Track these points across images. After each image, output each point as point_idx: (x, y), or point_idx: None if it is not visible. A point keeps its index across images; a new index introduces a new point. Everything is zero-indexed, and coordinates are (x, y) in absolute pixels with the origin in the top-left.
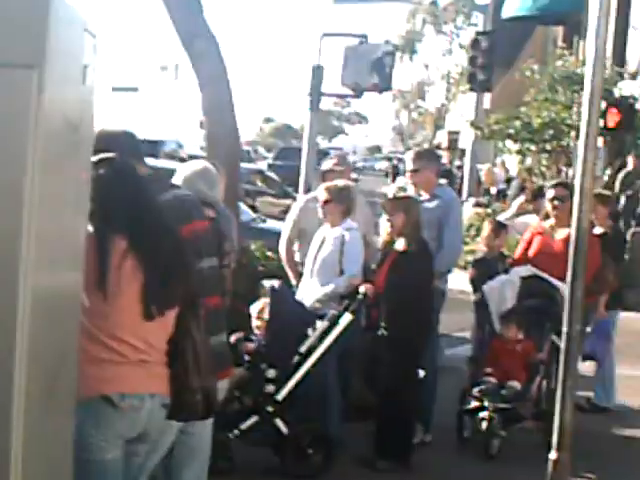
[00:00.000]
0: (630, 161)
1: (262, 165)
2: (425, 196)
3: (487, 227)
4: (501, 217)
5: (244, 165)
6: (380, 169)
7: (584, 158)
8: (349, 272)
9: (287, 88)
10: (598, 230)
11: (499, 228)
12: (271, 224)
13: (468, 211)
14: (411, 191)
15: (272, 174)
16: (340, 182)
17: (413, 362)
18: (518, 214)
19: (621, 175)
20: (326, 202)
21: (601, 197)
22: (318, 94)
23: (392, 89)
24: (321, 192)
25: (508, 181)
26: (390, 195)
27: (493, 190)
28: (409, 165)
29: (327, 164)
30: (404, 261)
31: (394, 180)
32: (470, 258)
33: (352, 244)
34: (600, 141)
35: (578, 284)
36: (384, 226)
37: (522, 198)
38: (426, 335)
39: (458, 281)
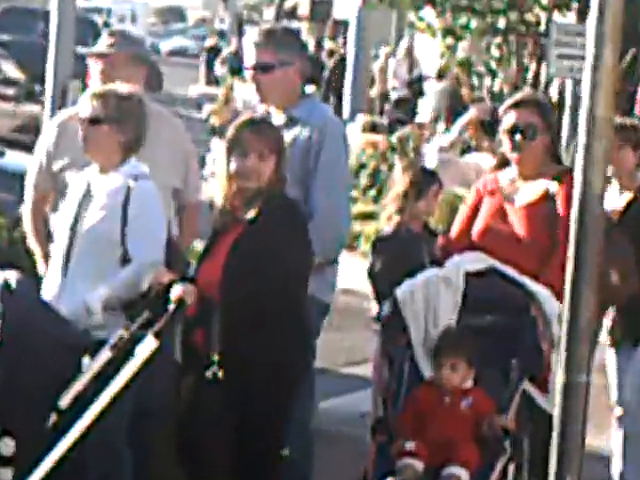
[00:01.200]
0: None
1: None
2: (278, 117)
3: (400, 177)
4: (430, 149)
5: None
6: (180, 50)
7: (597, 52)
8: (140, 258)
9: None
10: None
11: (424, 180)
12: (12, 159)
13: (355, 140)
14: (254, 105)
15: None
16: (121, 86)
17: (270, 429)
18: (462, 148)
19: None
20: (92, 123)
21: (625, 131)
22: None
23: None
24: (84, 103)
25: (413, 84)
26: (242, 117)
27: (394, 95)
28: (250, 56)
29: (101, 44)
30: (256, 240)
31: (208, 74)
32: (362, 229)
33: (143, 205)
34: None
35: (584, 293)
36: (221, 173)
37: (470, 114)
38: (295, 379)
39: (343, 273)
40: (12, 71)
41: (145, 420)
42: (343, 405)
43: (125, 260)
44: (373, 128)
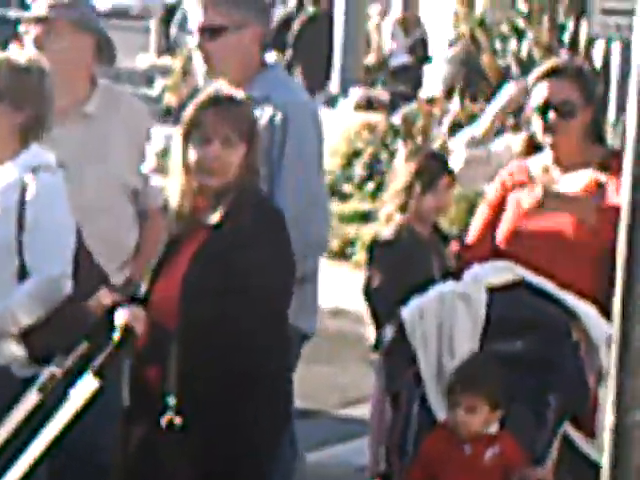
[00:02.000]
0: None
1: None
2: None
3: (403, 165)
4: (457, 142)
5: None
6: (120, 10)
7: None
8: (41, 271)
9: None
10: None
11: (432, 168)
12: None
13: (348, 121)
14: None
15: None
16: (18, 55)
17: None
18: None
19: None
20: None
21: None
22: None
23: None
24: None
25: (415, 48)
26: (200, 96)
27: (396, 61)
28: (195, 17)
29: (38, 6)
30: (223, 250)
31: (161, 41)
32: (357, 233)
33: (44, 204)
34: None
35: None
36: (176, 164)
37: (509, 93)
38: (274, 429)
39: (333, 289)
40: None
41: (83, 477)
42: (335, 457)
43: (24, 274)
44: (370, 105)
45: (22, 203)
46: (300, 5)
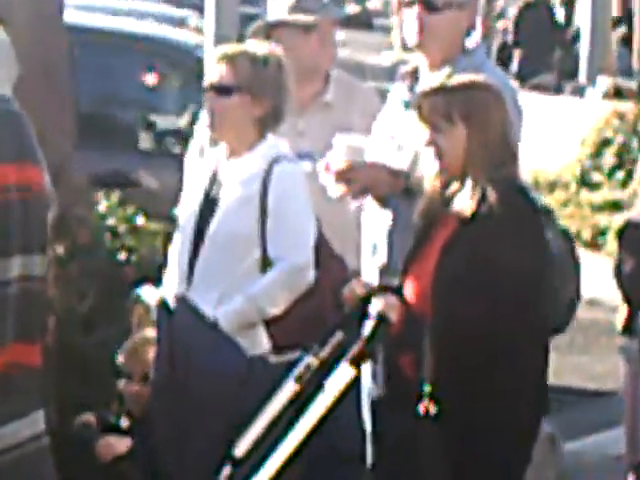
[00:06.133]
0: None
1: None
2: (435, 74)
3: None
4: None
5: None
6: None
7: None
8: (285, 260)
9: None
10: None
11: None
12: None
13: (597, 110)
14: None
15: None
16: (256, 47)
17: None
18: None
19: None
20: (221, 92)
21: None
22: None
23: None
24: (212, 68)
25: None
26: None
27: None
28: None
29: (281, 9)
30: (479, 242)
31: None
32: (608, 221)
33: (286, 193)
34: None
35: None
36: (427, 158)
37: None
38: (533, 419)
39: (585, 278)
40: None
41: (337, 467)
42: (593, 446)
43: (266, 264)
44: (618, 92)
45: (264, 192)
46: None
